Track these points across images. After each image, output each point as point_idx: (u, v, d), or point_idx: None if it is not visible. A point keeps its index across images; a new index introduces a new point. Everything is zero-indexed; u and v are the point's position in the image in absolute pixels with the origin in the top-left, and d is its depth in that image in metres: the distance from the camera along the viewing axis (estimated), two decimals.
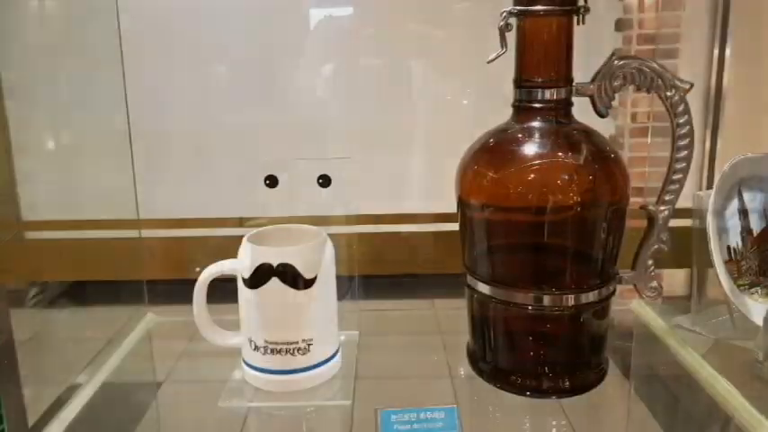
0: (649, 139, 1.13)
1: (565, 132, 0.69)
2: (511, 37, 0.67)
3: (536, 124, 0.69)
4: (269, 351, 0.70)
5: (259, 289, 0.69)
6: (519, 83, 0.69)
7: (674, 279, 0.94)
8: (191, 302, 0.72)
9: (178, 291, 0.81)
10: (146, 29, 1.51)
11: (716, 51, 1.29)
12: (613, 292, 0.72)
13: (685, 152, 0.70)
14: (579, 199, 0.66)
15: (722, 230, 0.83)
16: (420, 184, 1.46)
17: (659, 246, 0.73)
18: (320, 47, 1.46)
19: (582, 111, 0.70)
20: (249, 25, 1.52)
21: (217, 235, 0.94)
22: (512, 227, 0.70)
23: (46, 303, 1.18)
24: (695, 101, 0.74)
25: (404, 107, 1.47)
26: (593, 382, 0.72)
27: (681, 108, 0.68)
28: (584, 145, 0.69)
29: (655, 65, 0.68)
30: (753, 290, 0.83)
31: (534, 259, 0.71)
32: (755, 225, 0.84)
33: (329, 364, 0.73)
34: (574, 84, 0.69)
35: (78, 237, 0.96)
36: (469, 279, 0.73)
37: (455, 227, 0.75)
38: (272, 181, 0.87)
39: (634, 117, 1.52)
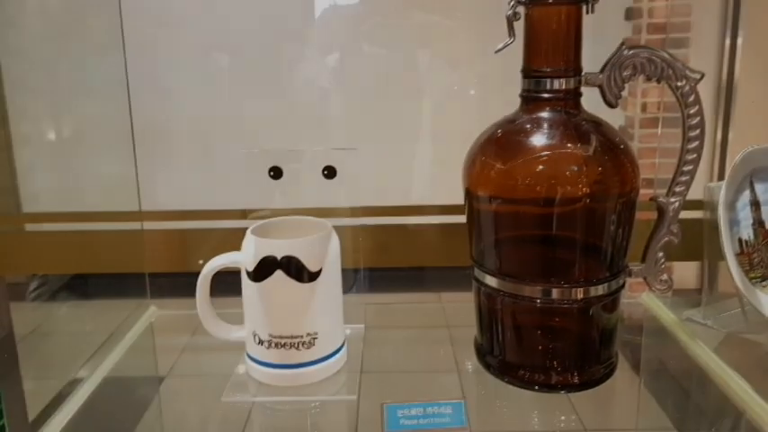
0: (660, 130, 1.12)
1: (574, 123, 0.68)
2: (519, 26, 0.67)
3: (544, 115, 0.68)
4: (273, 345, 0.70)
5: (263, 282, 0.68)
6: (527, 73, 0.69)
7: (685, 272, 0.93)
8: (194, 296, 0.72)
9: (181, 284, 0.80)
10: (148, 18, 1.51)
11: (727, 41, 1.27)
12: (623, 286, 0.71)
13: (696, 143, 0.69)
14: (588, 190, 0.65)
15: (734, 222, 0.82)
16: (427, 176, 1.45)
17: (670, 238, 0.72)
18: (325, 36, 1.45)
19: (591, 101, 0.69)
20: (253, 14, 1.51)
21: (220, 227, 0.93)
22: (520, 219, 0.70)
23: (47, 297, 1.18)
24: (706, 91, 0.73)
25: (410, 97, 1.46)
26: (602, 377, 0.71)
27: (692, 98, 0.68)
28: (593, 136, 0.68)
29: (665, 54, 0.68)
30: (765, 283, 0.82)
31: (543, 252, 0.70)
32: None
33: (334, 358, 0.73)
34: (583, 74, 0.68)
35: (80, 229, 0.96)
36: (477, 272, 0.72)
37: (462, 219, 0.74)
38: (276, 172, 0.87)
39: (644, 107, 1.51)
